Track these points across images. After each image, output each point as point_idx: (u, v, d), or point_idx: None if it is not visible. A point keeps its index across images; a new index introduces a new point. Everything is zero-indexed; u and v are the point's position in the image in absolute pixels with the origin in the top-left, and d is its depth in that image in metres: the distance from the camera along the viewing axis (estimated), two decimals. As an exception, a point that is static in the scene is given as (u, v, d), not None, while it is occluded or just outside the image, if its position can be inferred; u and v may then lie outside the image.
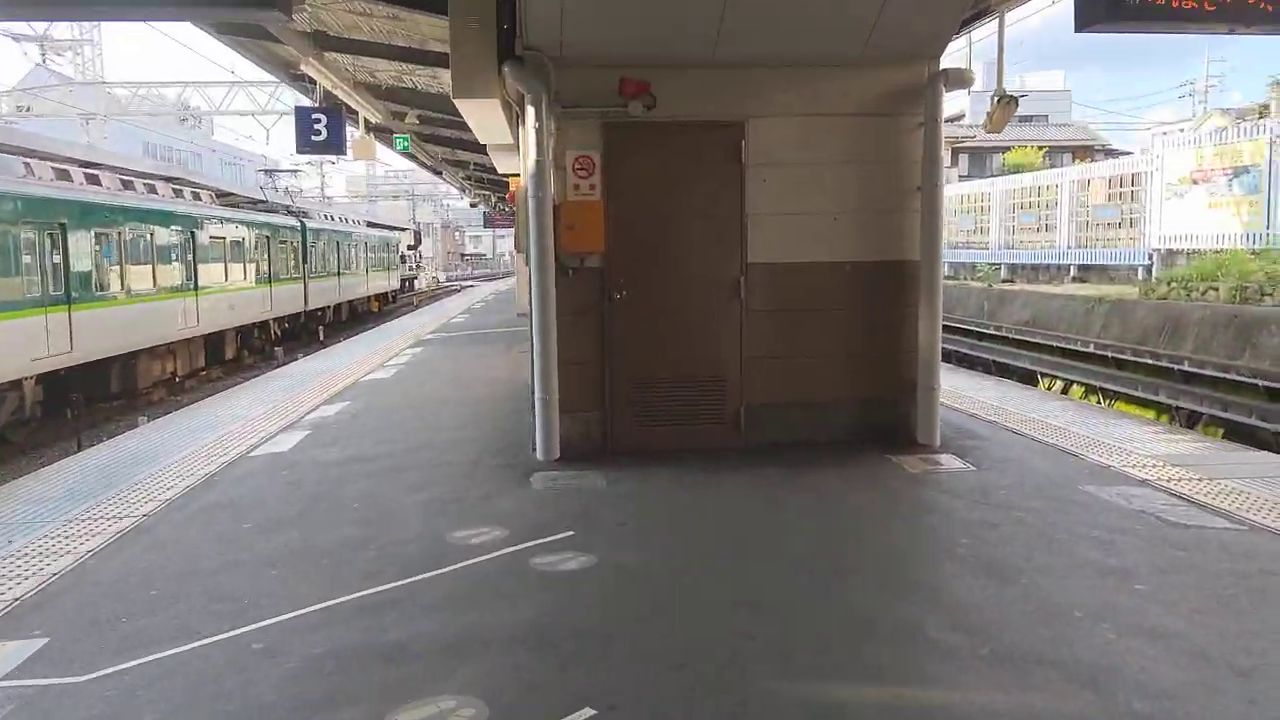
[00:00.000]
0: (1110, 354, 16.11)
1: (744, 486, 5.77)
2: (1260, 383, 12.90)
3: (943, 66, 6.66)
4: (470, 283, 55.71)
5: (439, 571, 4.20)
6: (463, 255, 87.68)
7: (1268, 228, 17.77)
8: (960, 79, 6.74)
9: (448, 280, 61.19)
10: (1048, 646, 3.37)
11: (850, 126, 6.70)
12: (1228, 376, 13.58)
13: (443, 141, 17.79)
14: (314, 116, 11.53)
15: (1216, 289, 16.18)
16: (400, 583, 4.07)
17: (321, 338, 23.73)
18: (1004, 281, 24.77)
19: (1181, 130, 24.56)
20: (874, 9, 6.02)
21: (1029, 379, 15.70)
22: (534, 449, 6.37)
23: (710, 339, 6.67)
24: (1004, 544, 4.56)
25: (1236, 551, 4.38)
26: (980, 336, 20.02)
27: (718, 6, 5.90)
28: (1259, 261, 16.43)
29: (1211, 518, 4.93)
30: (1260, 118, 21.54)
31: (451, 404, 8.77)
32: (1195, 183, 19.74)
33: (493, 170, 17.60)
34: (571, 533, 4.71)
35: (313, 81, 11.15)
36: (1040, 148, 38.75)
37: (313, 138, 11.49)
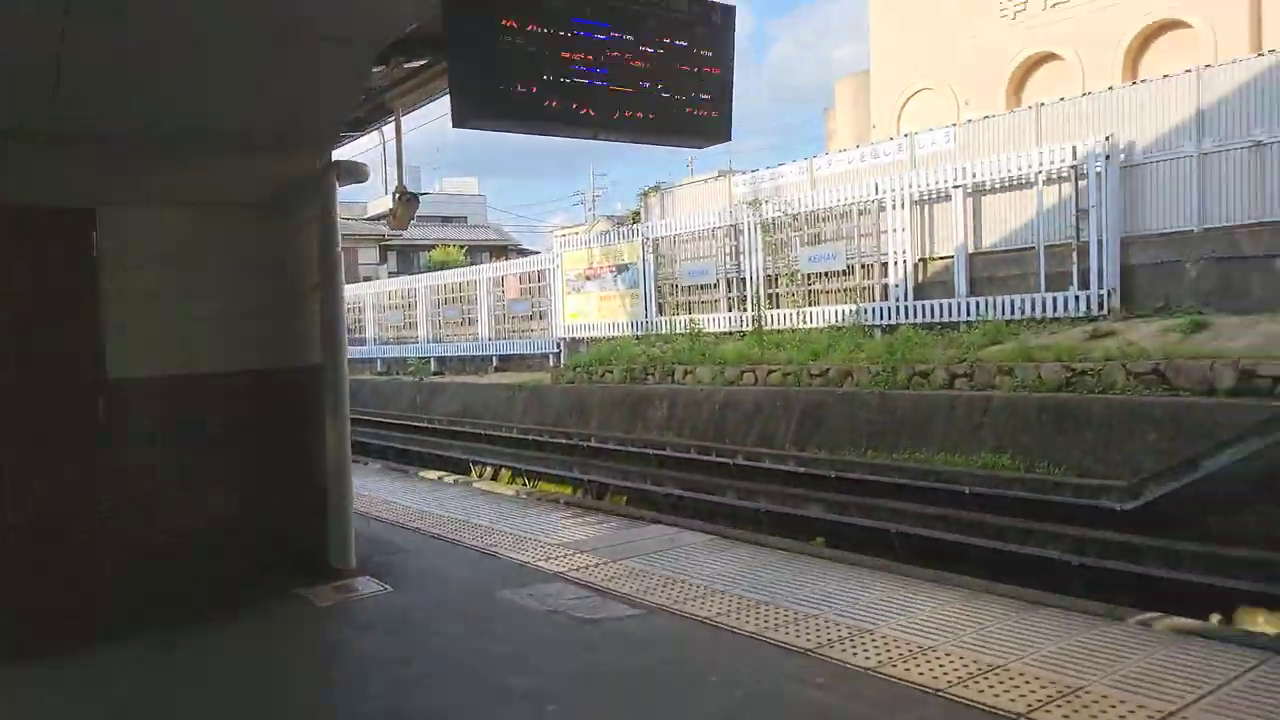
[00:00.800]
0: (531, 437, 17.22)
1: (99, 675, 4.42)
2: (650, 451, 14.75)
3: (335, 158, 6.31)
4: None
5: None
6: None
7: (645, 316, 20.81)
8: (354, 172, 6.50)
9: None
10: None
11: (238, 219, 5.95)
12: (625, 449, 15.31)
13: None
14: None
15: (612, 371, 18.36)
16: None
17: None
18: (435, 374, 25.45)
19: (576, 233, 27.91)
20: (250, 89, 5.38)
21: (463, 468, 16.03)
22: None
23: (57, 477, 5.26)
24: (419, 685, 4.08)
25: (638, 641, 4.47)
26: (415, 430, 20.13)
27: (50, 66, 4.74)
28: (641, 346, 19.07)
29: (617, 605, 5.05)
30: (634, 223, 25.34)
31: None
32: (589, 279, 22.45)
33: None
34: None
35: None
36: (462, 246, 41.39)
37: None
